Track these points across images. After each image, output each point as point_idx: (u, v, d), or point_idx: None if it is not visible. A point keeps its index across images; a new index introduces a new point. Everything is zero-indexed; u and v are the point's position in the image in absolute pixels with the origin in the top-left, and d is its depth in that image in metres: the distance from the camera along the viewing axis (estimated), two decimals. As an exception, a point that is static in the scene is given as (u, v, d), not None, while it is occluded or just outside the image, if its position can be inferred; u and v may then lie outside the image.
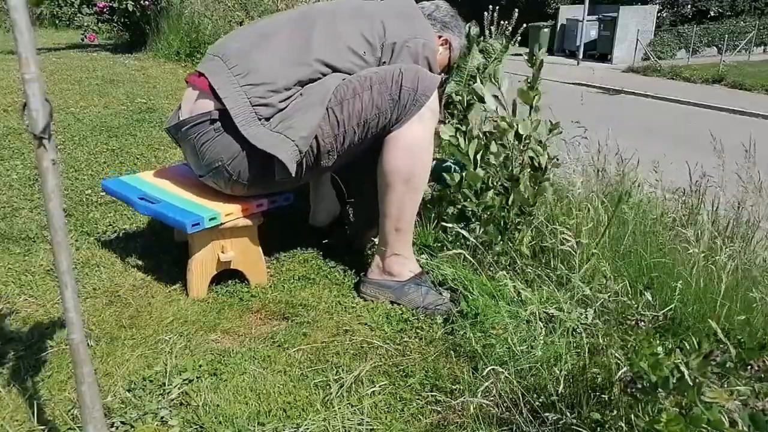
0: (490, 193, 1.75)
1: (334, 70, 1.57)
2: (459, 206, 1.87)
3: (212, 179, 1.62)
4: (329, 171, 1.84)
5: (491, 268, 1.73)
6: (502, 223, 1.75)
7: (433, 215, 1.96)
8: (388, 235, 1.63)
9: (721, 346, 0.90)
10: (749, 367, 0.87)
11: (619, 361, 1.10)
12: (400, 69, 1.55)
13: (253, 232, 1.68)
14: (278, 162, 1.50)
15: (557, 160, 1.77)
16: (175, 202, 1.63)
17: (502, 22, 2.71)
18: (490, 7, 2.67)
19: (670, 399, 0.90)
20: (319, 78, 1.56)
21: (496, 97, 1.78)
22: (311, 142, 1.53)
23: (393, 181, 1.56)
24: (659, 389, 0.90)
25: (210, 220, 1.55)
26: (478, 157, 1.76)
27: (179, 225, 1.53)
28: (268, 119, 1.53)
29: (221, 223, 1.58)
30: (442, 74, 1.97)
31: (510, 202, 1.75)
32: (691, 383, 0.87)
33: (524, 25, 2.92)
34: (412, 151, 1.55)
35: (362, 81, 1.54)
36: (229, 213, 1.59)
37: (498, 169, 1.78)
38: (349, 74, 1.57)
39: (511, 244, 1.75)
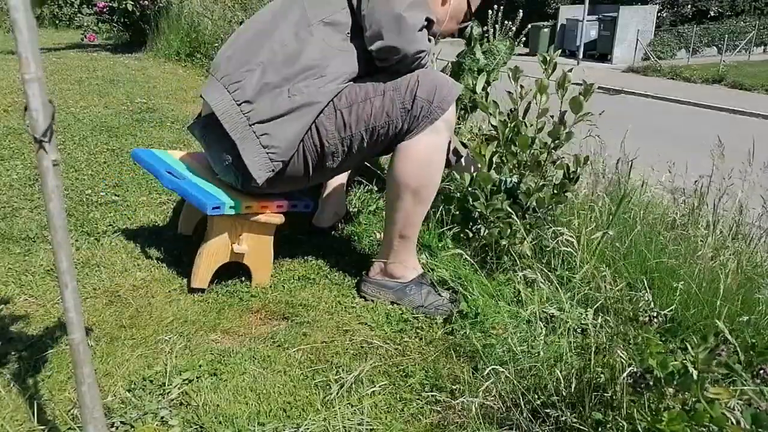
0: (500, 195, 1.74)
1: (308, 25, 1.49)
2: (464, 206, 1.86)
3: (225, 177, 1.64)
4: (338, 173, 1.82)
5: (492, 269, 1.73)
6: (510, 225, 1.74)
7: (436, 215, 1.96)
8: (392, 241, 1.62)
9: (726, 346, 0.90)
10: (761, 371, 0.86)
11: (623, 360, 1.10)
12: (417, 77, 1.50)
13: (270, 231, 1.68)
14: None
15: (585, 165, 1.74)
16: (200, 183, 1.65)
17: (506, 22, 2.71)
18: (495, 6, 2.67)
19: (677, 397, 0.90)
20: (294, 43, 1.48)
21: (510, 93, 1.76)
22: (298, 150, 1.51)
23: (402, 192, 1.54)
24: (666, 385, 0.90)
25: (230, 207, 1.56)
26: (494, 159, 1.75)
27: (200, 205, 1.54)
28: (248, 103, 1.47)
29: (239, 213, 1.59)
30: (462, 24, 1.83)
31: (526, 204, 1.73)
32: (695, 379, 0.87)
33: (529, 26, 2.92)
34: (423, 163, 1.52)
35: (375, 85, 1.50)
36: (249, 206, 1.60)
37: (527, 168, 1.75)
38: (333, 21, 1.49)
39: (512, 245, 1.75)
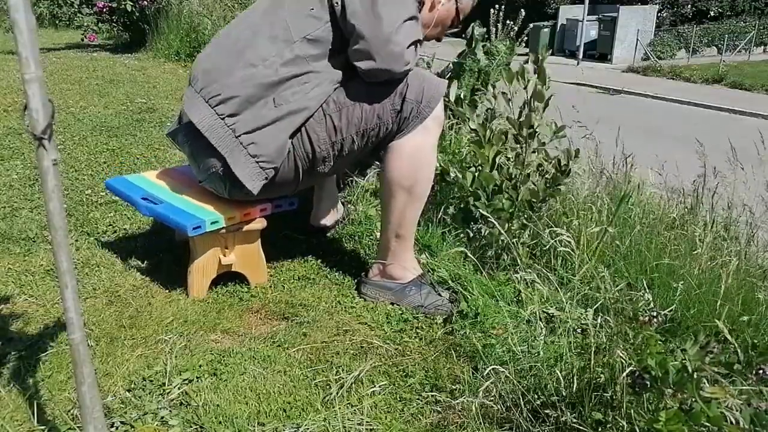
0: (501, 196, 1.74)
1: (287, 39, 1.47)
2: (465, 206, 1.86)
3: (210, 185, 1.61)
4: (328, 176, 1.82)
5: (492, 269, 1.73)
6: (508, 223, 1.74)
7: (436, 215, 1.96)
8: (389, 241, 1.63)
9: (726, 345, 0.90)
10: (760, 371, 0.86)
11: (623, 360, 1.10)
12: (406, 79, 1.51)
13: (255, 236, 1.67)
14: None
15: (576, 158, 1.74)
16: (177, 204, 1.62)
17: (507, 22, 2.70)
18: (496, 6, 2.66)
19: (677, 397, 0.90)
20: (277, 62, 1.46)
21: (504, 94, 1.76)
22: (285, 157, 1.50)
23: (395, 189, 1.55)
24: (663, 385, 0.90)
25: (212, 223, 1.54)
26: (497, 159, 1.74)
27: (181, 228, 1.52)
28: (232, 116, 1.47)
29: (223, 227, 1.58)
30: (449, 30, 1.83)
31: (519, 199, 1.73)
32: (690, 378, 0.87)
33: (530, 25, 2.92)
34: (415, 160, 1.53)
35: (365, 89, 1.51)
36: (232, 217, 1.58)
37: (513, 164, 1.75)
38: (307, 34, 1.47)
39: (512, 245, 1.75)
